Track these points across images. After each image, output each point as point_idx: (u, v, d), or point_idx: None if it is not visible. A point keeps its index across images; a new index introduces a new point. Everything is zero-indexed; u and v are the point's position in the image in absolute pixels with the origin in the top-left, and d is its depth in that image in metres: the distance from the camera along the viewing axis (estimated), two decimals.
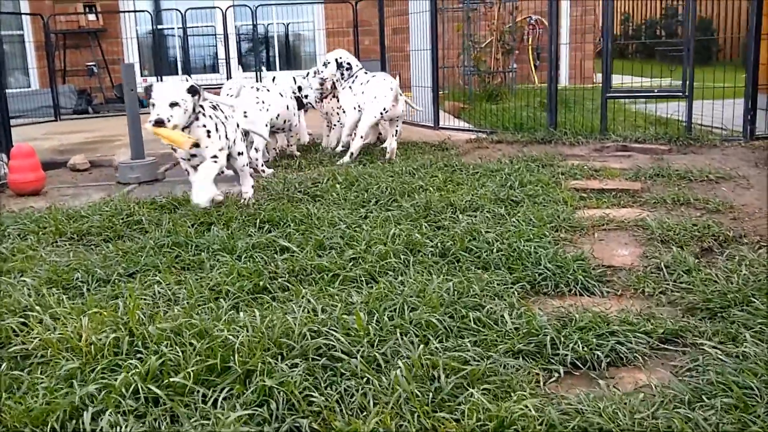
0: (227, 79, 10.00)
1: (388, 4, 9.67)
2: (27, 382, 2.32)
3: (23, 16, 10.75)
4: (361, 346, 2.43)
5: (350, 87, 6.11)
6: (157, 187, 5.33)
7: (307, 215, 3.99)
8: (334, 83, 6.30)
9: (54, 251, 3.64)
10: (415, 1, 8.52)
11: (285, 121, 5.96)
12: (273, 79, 6.25)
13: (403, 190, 4.51)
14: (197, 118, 4.15)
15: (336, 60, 6.19)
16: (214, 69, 12.15)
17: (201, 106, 4.19)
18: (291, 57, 12.45)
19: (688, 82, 6.41)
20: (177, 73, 11.46)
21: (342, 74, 6.15)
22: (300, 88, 6.32)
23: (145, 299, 2.88)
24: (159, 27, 11.08)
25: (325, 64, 6.25)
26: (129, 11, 11.08)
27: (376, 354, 2.39)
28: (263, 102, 5.65)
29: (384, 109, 5.84)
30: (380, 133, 6.75)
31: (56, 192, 5.43)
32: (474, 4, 9.60)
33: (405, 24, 10.61)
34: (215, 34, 11.65)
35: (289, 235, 3.67)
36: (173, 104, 3.99)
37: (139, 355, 2.42)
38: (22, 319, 2.72)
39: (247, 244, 3.53)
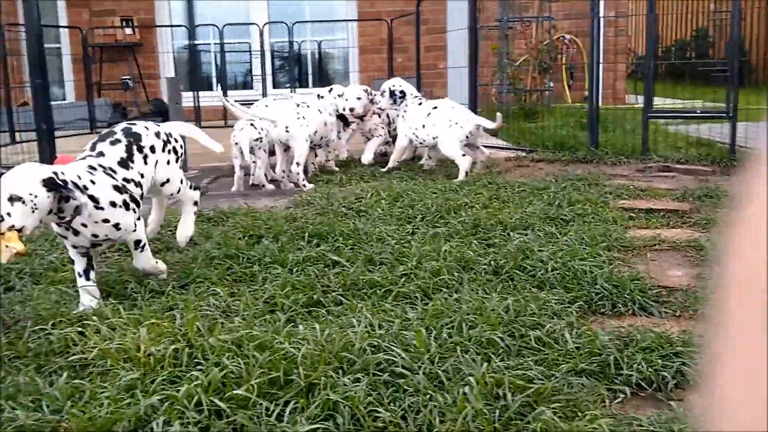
0: (262, 95, 10.05)
1: (422, 21, 9.70)
2: (89, 391, 2.31)
3: (60, 29, 10.90)
4: (422, 363, 2.40)
5: (402, 116, 6.15)
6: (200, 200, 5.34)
7: (354, 230, 3.98)
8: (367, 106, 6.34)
9: (104, 261, 3.66)
10: (453, 18, 8.55)
11: (322, 138, 6.00)
12: (330, 91, 6.29)
13: (449, 207, 4.49)
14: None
15: (389, 88, 6.24)
16: (247, 85, 12.23)
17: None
18: (323, 74, 12.51)
19: (731, 104, 6.34)
20: (212, 89, 11.55)
21: (395, 101, 6.19)
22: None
23: (200, 311, 2.88)
24: (194, 42, 11.18)
25: (381, 93, 6.29)
26: (165, 26, 11.21)
27: (438, 371, 2.36)
28: (304, 117, 5.68)
29: (470, 133, 5.87)
30: (416, 149, 6.76)
31: None
32: (512, 21, 9.60)
33: (438, 42, 10.65)
34: (250, 51, 11.74)
35: (338, 250, 3.65)
36: (14, 198, 2.78)
37: (199, 367, 2.40)
38: (79, 329, 2.72)
39: (298, 257, 3.52)
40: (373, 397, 2.21)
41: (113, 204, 3.07)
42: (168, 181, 3.50)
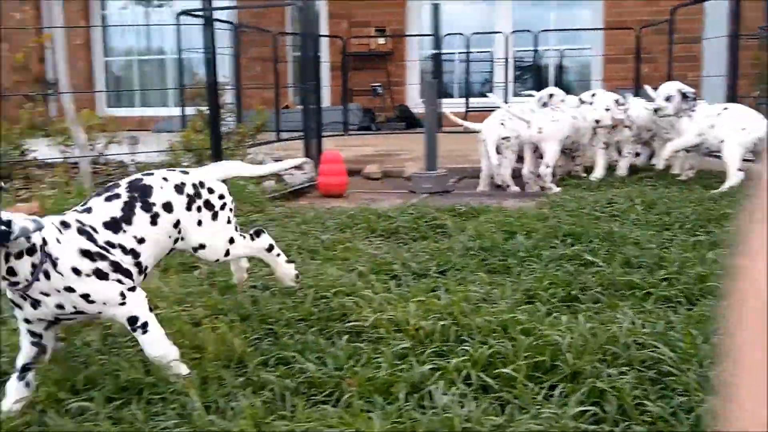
0: (505, 103, 10.15)
1: (674, 30, 9.29)
2: (366, 355, 2.52)
3: (321, 39, 11.78)
4: (690, 365, 2.35)
5: (689, 117, 5.91)
6: (446, 197, 5.57)
7: (609, 233, 3.94)
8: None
9: (369, 245, 3.95)
10: (708, 27, 8.10)
11: (573, 142, 5.99)
12: (593, 95, 6.26)
13: (709, 217, 4.29)
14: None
15: (679, 91, 5.98)
16: (484, 94, 12.41)
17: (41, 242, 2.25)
18: (563, 83, 12.38)
19: None
20: (452, 96, 11.90)
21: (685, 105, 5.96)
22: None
23: (461, 294, 3.02)
24: (440, 51, 11.58)
25: (667, 99, 6.00)
26: (414, 35, 11.73)
27: (709, 374, 2.29)
28: (557, 120, 5.71)
29: (758, 139, 5.59)
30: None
31: (356, 195, 5.90)
32: None
33: (689, 51, 10.12)
34: (492, 59, 11.93)
35: (593, 251, 3.64)
36: None
37: (465, 344, 2.54)
38: (355, 299, 2.98)
39: (552, 254, 3.57)
40: (639, 391, 2.20)
41: (76, 271, 2.33)
42: (203, 247, 2.70)
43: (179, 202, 2.61)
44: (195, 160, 5.28)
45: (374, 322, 2.75)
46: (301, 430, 2.08)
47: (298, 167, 6.31)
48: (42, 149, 5.93)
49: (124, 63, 13.00)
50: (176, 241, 2.64)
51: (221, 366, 2.48)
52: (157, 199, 2.56)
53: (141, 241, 2.50)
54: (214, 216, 2.69)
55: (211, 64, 4.77)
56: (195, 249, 2.69)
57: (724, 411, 0.58)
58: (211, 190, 2.70)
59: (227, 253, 2.78)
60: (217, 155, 4.73)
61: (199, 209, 2.66)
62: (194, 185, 2.66)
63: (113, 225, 2.47)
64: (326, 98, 12.00)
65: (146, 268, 2.54)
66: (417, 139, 9.54)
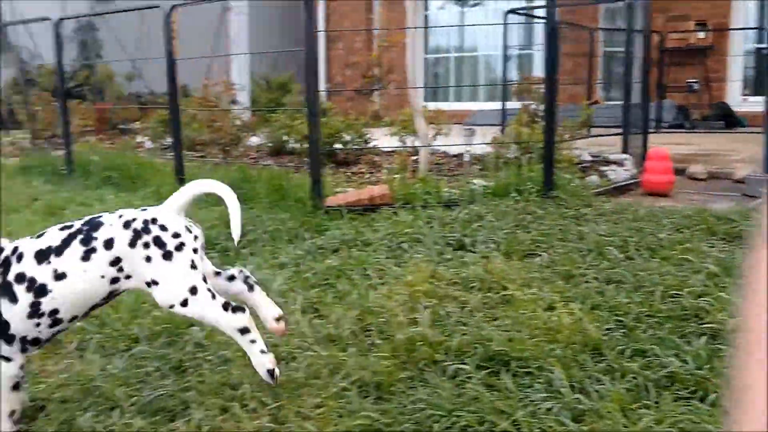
0: None
1: None
2: (726, 357, 2.47)
3: (635, 33, 11.39)
4: None
5: None
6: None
7: None
8: None
9: (712, 248, 3.80)
10: None
11: None
12: None
13: None
14: None
15: None
16: None
17: None
18: None
19: None
20: None
21: None
22: None
23: None
24: (764, 45, 10.63)
25: None
26: (738, 29, 10.89)
27: None
28: None
29: None
30: None
31: (682, 195, 5.68)
32: None
33: None
34: None
35: None
36: None
37: None
38: (708, 300, 2.91)
39: None
40: None
41: None
42: (155, 283, 2.32)
43: (123, 237, 2.30)
44: (521, 152, 5.45)
45: (733, 325, 2.68)
46: (671, 421, 2.11)
47: (619, 164, 6.24)
48: (379, 138, 6.51)
49: (439, 60, 13.71)
50: (115, 280, 2.30)
51: (578, 351, 2.59)
52: (102, 235, 2.30)
53: (60, 276, 2.25)
54: (167, 255, 2.30)
55: (550, 60, 4.90)
56: (148, 284, 2.32)
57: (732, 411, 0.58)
58: (163, 228, 2.33)
59: (185, 303, 2.31)
60: (549, 148, 4.84)
61: (146, 245, 2.30)
62: (145, 221, 2.33)
63: (41, 255, 2.27)
64: (636, 94, 11.63)
65: (56, 311, 2.25)
66: (738, 139, 8.88)
